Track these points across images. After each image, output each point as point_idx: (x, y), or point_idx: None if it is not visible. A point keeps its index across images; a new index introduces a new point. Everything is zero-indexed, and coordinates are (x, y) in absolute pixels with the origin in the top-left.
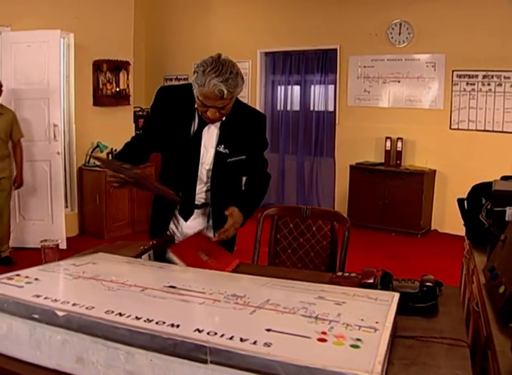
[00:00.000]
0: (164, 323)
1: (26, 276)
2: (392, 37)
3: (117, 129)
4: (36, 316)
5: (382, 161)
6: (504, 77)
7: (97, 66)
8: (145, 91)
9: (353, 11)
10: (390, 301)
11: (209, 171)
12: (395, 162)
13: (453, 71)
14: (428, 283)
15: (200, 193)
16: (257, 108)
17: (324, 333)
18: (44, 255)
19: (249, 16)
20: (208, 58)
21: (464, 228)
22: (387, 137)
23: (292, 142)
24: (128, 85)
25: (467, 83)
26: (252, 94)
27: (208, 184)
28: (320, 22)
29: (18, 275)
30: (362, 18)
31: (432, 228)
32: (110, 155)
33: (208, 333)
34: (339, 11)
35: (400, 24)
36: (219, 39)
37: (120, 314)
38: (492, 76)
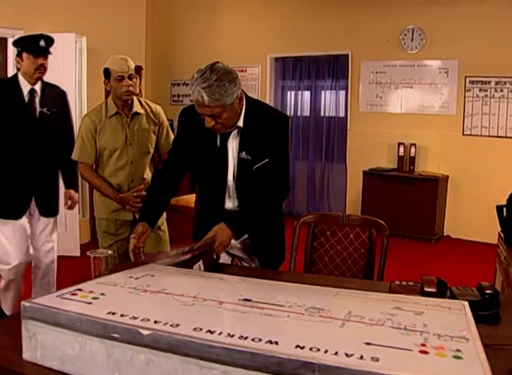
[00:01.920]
0: (260, 340)
1: (91, 291)
2: (404, 43)
3: None
4: (116, 336)
5: (395, 167)
6: None
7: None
8: (152, 95)
9: (365, 16)
10: (463, 310)
11: (234, 179)
12: (408, 167)
13: (465, 77)
14: (488, 291)
15: (229, 203)
16: None
17: (423, 344)
18: (94, 266)
19: (259, 22)
20: (206, 65)
21: (475, 234)
22: (400, 143)
23: (302, 148)
24: (140, 90)
25: (480, 90)
26: (262, 100)
27: (235, 195)
28: (331, 27)
29: (80, 290)
30: (374, 23)
31: (445, 234)
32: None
33: (311, 349)
34: (350, 16)
35: (413, 30)
36: (228, 44)
37: (210, 331)
38: (505, 83)
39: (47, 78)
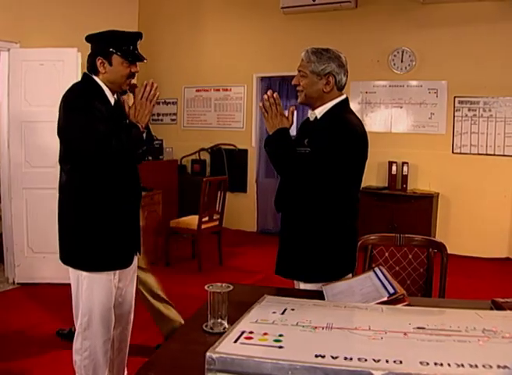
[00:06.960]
0: (491, 366)
1: (265, 333)
2: (394, 64)
3: None
4: None
5: (385, 185)
6: (504, 104)
7: None
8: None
9: (354, 37)
10: None
11: None
12: (401, 186)
13: (454, 97)
14: None
15: None
16: (253, 133)
17: None
18: (213, 301)
19: (244, 41)
20: None
21: (466, 249)
22: (392, 162)
23: None
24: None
25: (469, 109)
26: (248, 119)
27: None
28: (320, 46)
29: (251, 332)
30: (364, 44)
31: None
32: None
33: None
34: (339, 36)
35: (403, 51)
36: (212, 63)
37: (438, 364)
38: (493, 103)
39: (46, 94)
